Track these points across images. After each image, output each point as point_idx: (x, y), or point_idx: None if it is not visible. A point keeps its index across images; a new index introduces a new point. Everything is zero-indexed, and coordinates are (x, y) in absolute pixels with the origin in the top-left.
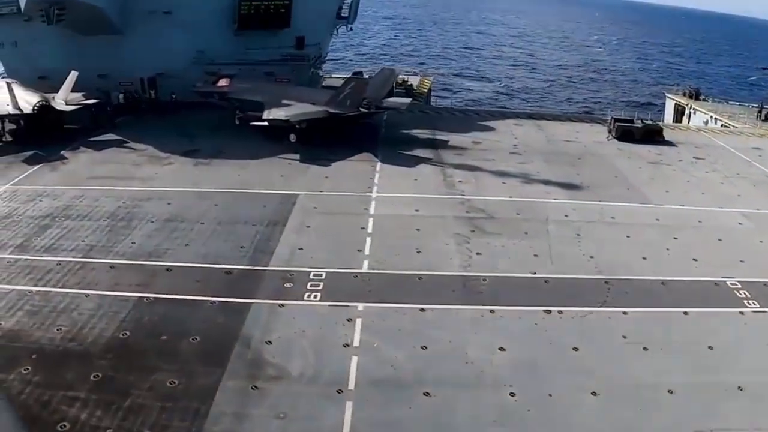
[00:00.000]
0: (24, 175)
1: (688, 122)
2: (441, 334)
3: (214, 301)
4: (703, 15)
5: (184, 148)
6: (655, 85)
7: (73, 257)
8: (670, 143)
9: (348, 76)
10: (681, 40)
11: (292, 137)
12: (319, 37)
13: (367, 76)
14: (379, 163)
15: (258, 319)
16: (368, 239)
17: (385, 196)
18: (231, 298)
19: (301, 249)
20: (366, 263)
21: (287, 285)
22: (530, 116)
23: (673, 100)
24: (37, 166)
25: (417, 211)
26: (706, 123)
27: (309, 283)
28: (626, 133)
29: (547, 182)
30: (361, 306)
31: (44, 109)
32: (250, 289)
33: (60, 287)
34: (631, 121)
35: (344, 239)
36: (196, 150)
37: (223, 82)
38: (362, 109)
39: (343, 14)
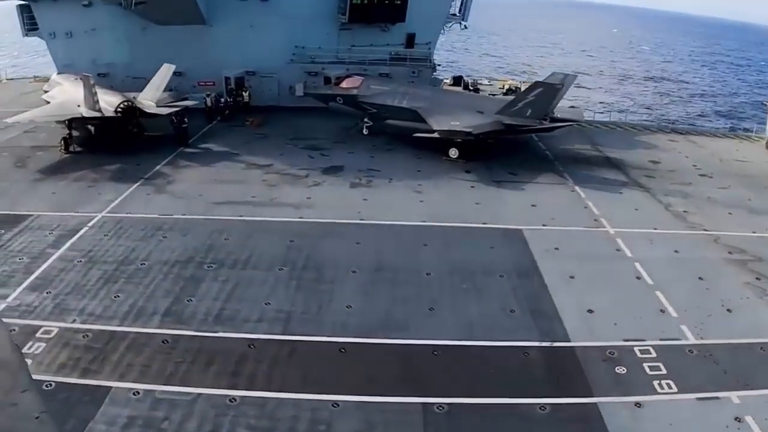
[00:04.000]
0: (121, 197)
1: None
2: None
3: (543, 405)
4: (706, 21)
5: (318, 164)
6: (735, 94)
7: (268, 333)
8: None
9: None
10: (720, 47)
11: (453, 152)
12: (430, 36)
13: (469, 80)
14: (576, 187)
15: (623, 429)
16: (659, 294)
17: (624, 231)
18: (562, 398)
19: (591, 311)
20: (686, 330)
21: (619, 370)
22: (673, 130)
23: None
24: (134, 186)
25: (677, 252)
26: None
27: (645, 365)
28: None
29: None
30: (735, 396)
31: (130, 112)
32: (575, 380)
33: (276, 389)
34: None
35: (630, 295)
36: (337, 167)
37: (348, 83)
38: (543, 122)
39: (452, 11)
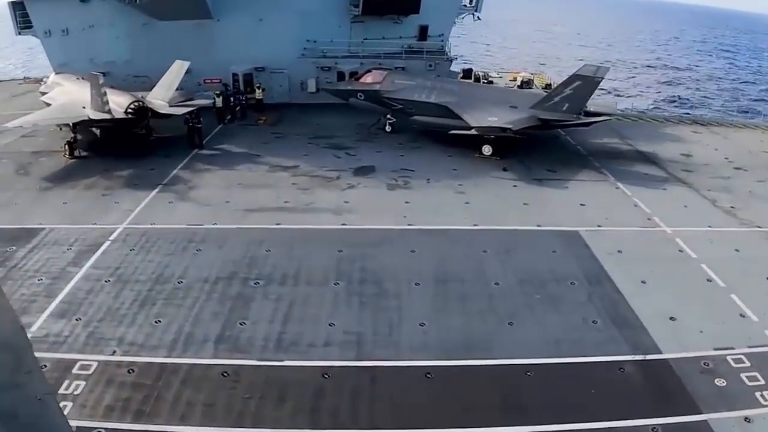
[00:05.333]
0: (141, 206)
1: None
2: None
3: (655, 426)
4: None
5: (347, 165)
6: (742, 81)
7: (341, 359)
8: None
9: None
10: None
11: (487, 149)
12: (443, 28)
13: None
14: (619, 184)
15: None
16: (735, 297)
17: (681, 231)
18: (671, 417)
19: (673, 319)
20: None
21: (719, 382)
22: (695, 121)
23: None
24: (153, 193)
25: (737, 251)
26: None
27: (743, 375)
28: None
29: None
30: None
31: (141, 113)
32: (678, 396)
33: (366, 426)
34: None
35: (707, 300)
36: (368, 167)
37: (370, 78)
38: (581, 117)
39: (464, 2)
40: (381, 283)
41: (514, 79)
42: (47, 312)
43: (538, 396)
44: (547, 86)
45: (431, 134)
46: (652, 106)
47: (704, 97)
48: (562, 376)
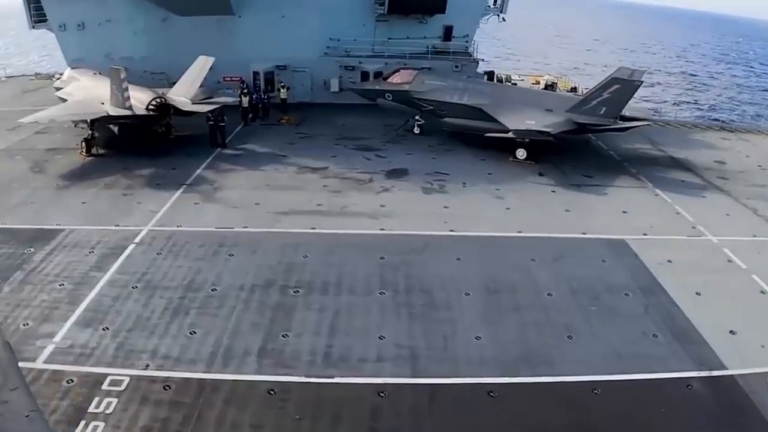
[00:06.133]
0: (165, 207)
1: None
2: None
3: None
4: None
5: (378, 167)
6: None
7: (396, 376)
8: None
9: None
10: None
11: (521, 153)
12: (467, 28)
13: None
14: (658, 191)
15: None
16: None
17: (727, 240)
18: None
19: (733, 332)
20: None
21: None
22: (722, 128)
23: None
24: (177, 194)
25: None
26: None
27: None
28: None
29: None
30: None
31: (163, 110)
32: (751, 415)
33: None
34: None
35: (763, 312)
36: (401, 170)
37: (398, 78)
38: (618, 122)
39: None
40: (429, 293)
41: (537, 82)
42: (71, 320)
43: (609, 416)
44: (573, 89)
45: (461, 136)
46: (680, 111)
47: (735, 104)
48: (630, 394)
